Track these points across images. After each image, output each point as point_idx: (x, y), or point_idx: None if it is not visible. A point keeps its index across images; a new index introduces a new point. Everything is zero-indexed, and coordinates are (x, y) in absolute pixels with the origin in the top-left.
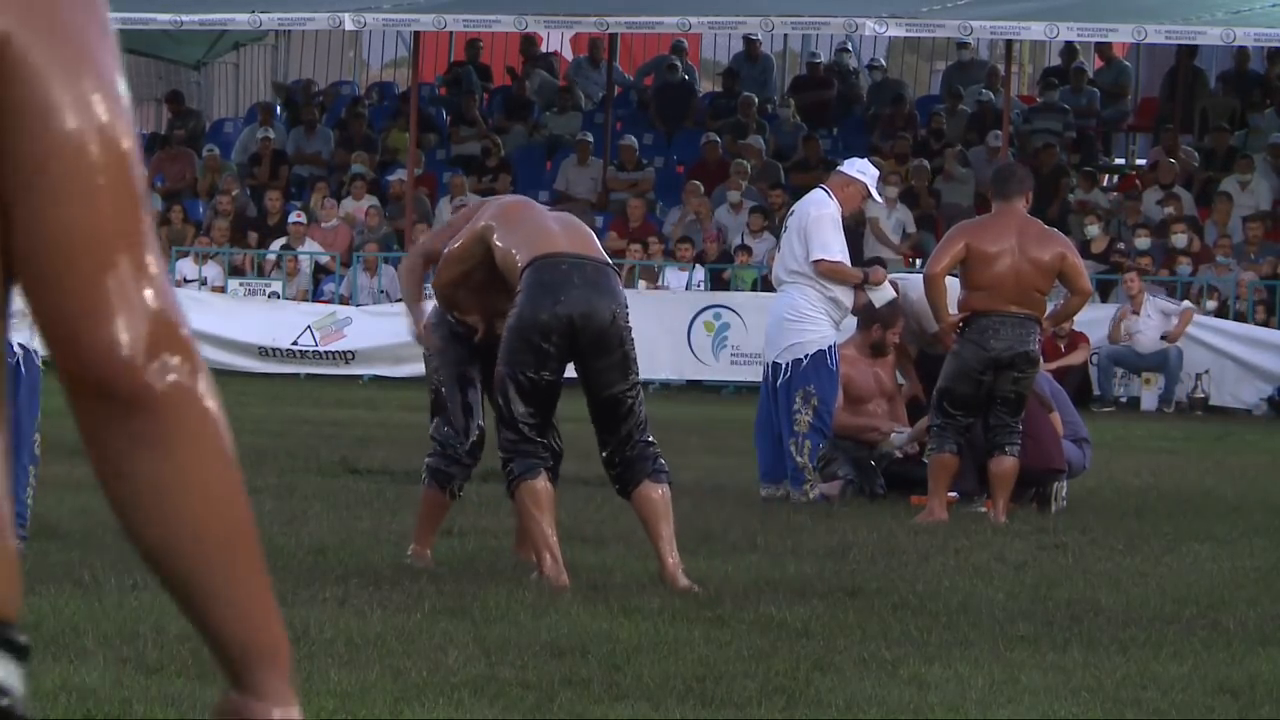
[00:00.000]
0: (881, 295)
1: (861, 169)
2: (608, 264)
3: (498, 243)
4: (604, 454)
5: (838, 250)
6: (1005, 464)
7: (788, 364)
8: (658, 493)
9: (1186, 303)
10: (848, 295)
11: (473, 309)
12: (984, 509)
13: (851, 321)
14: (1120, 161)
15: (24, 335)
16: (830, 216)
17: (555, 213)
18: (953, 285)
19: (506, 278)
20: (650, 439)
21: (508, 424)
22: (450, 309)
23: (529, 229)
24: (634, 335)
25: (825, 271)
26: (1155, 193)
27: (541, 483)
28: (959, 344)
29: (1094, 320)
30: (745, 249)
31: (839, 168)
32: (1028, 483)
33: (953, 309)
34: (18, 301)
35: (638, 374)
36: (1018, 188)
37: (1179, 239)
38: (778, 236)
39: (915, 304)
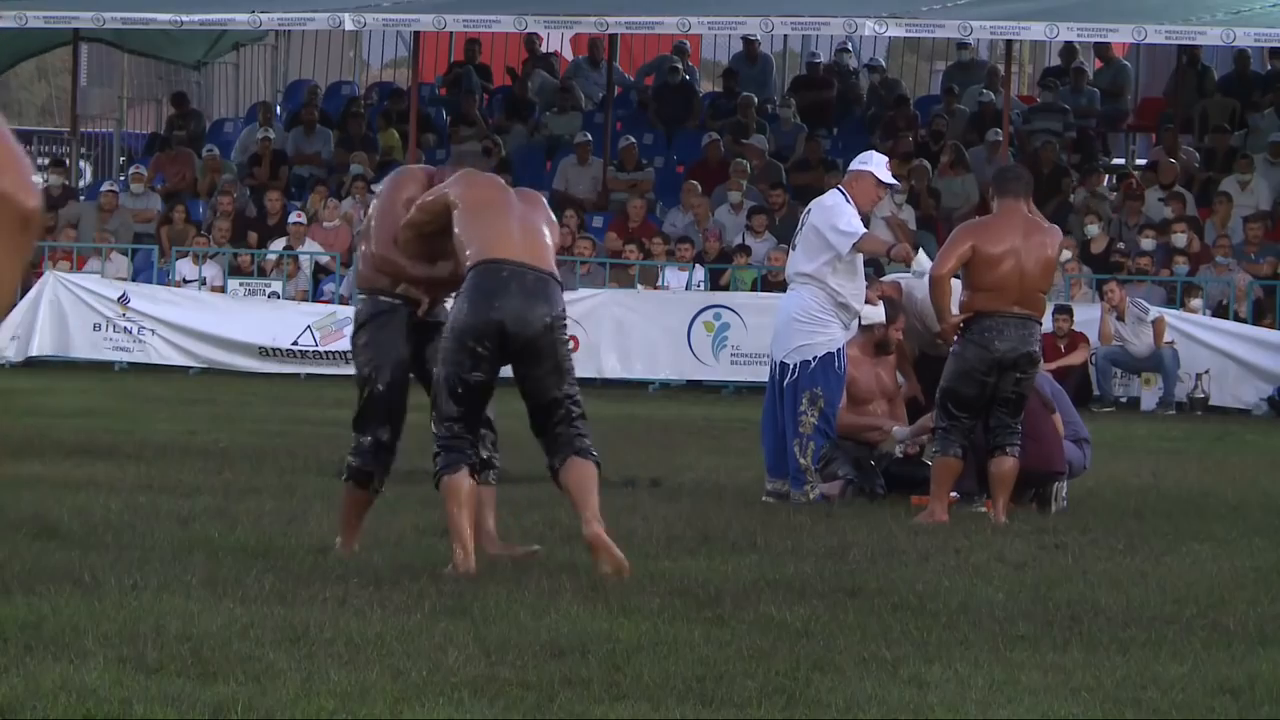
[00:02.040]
0: (872, 315)
1: (864, 160)
2: (550, 274)
3: (456, 228)
4: (543, 445)
5: (859, 225)
6: (1005, 464)
7: (796, 365)
8: (584, 468)
9: (1155, 311)
10: (858, 298)
11: (422, 263)
12: (984, 509)
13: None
14: (1119, 161)
15: None
16: (843, 204)
17: (522, 206)
18: (954, 285)
19: (457, 254)
20: (586, 432)
21: (440, 420)
22: (398, 266)
23: (488, 227)
24: (634, 335)
25: (862, 247)
26: (1156, 193)
27: (462, 478)
28: (961, 345)
29: (1093, 321)
30: (744, 249)
31: (849, 168)
32: (1029, 484)
33: (954, 309)
34: None
35: (574, 382)
36: (1022, 188)
37: (1179, 239)
38: (778, 236)
39: (920, 303)
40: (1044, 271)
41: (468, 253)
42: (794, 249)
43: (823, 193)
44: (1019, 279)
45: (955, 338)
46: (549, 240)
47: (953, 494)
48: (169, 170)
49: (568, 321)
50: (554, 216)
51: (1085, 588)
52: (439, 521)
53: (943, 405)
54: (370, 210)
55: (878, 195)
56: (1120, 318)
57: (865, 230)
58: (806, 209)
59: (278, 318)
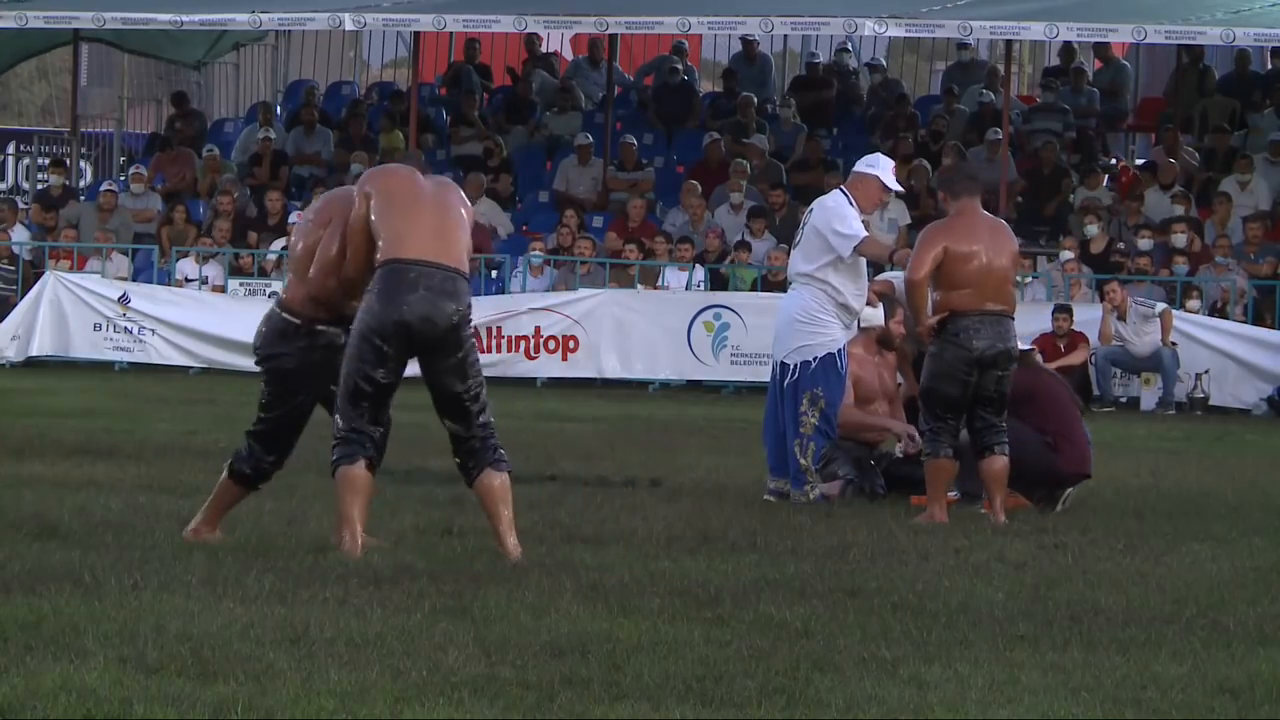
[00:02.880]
0: (872, 316)
1: (871, 163)
2: (458, 271)
3: (373, 218)
4: (452, 445)
5: (861, 228)
6: (997, 464)
7: (796, 365)
8: (497, 480)
9: (1160, 305)
10: (859, 299)
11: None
12: (984, 509)
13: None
14: (1115, 161)
15: None
16: (844, 205)
17: (436, 195)
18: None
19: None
20: (491, 432)
21: (341, 414)
22: (352, 297)
23: (399, 221)
24: (634, 335)
25: (863, 251)
26: (1155, 193)
27: (359, 469)
28: (938, 345)
29: (1093, 321)
30: (745, 245)
31: (857, 167)
32: (1061, 484)
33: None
34: None
35: (478, 375)
36: (977, 186)
37: (1178, 239)
38: (778, 237)
39: None
40: (1014, 266)
41: (380, 244)
42: (795, 246)
43: (824, 193)
44: (989, 275)
45: (931, 338)
46: (461, 233)
47: (953, 494)
48: (169, 170)
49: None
50: (467, 199)
51: (1085, 587)
52: (439, 520)
53: (928, 407)
54: (300, 235)
55: (881, 199)
56: (1121, 317)
57: (867, 234)
58: (808, 209)
59: None
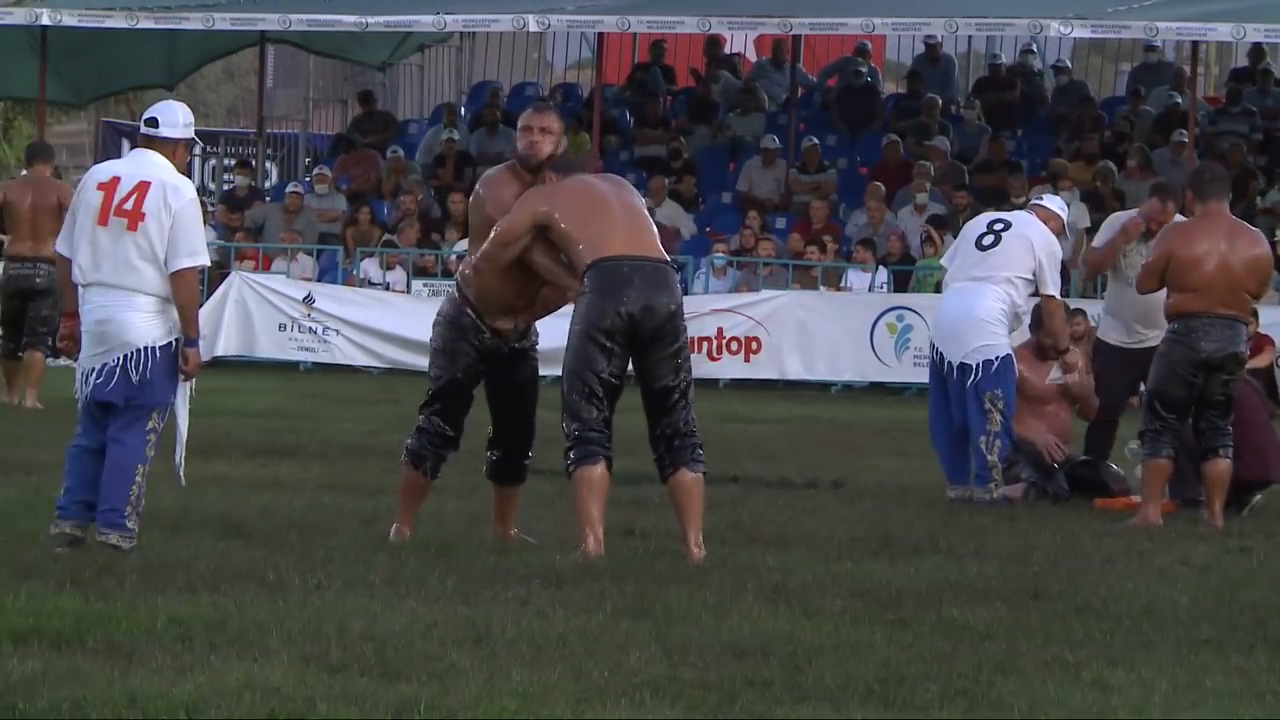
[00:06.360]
0: (1056, 376)
1: (1060, 207)
2: (666, 262)
3: (562, 225)
4: (651, 440)
5: (1058, 288)
6: (1220, 466)
7: (978, 365)
8: (690, 478)
9: None
10: (1024, 314)
11: (510, 298)
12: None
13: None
14: None
15: None
16: (1059, 254)
17: (618, 196)
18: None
19: (566, 255)
20: (694, 430)
21: (574, 418)
22: (485, 301)
23: (596, 226)
24: (817, 336)
25: (1052, 310)
26: None
27: (599, 470)
28: (1167, 346)
29: (1278, 323)
30: (931, 242)
31: (1038, 201)
32: (1243, 490)
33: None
34: None
35: (689, 371)
36: (1223, 188)
37: None
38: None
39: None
40: (1249, 271)
41: (582, 249)
42: (982, 248)
43: (1007, 194)
44: (1225, 279)
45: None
46: (653, 230)
47: (1136, 497)
48: (354, 171)
49: (751, 319)
50: (639, 194)
51: (1271, 591)
52: (621, 521)
53: (1150, 407)
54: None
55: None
56: None
57: (1060, 298)
58: (1000, 217)
59: None
